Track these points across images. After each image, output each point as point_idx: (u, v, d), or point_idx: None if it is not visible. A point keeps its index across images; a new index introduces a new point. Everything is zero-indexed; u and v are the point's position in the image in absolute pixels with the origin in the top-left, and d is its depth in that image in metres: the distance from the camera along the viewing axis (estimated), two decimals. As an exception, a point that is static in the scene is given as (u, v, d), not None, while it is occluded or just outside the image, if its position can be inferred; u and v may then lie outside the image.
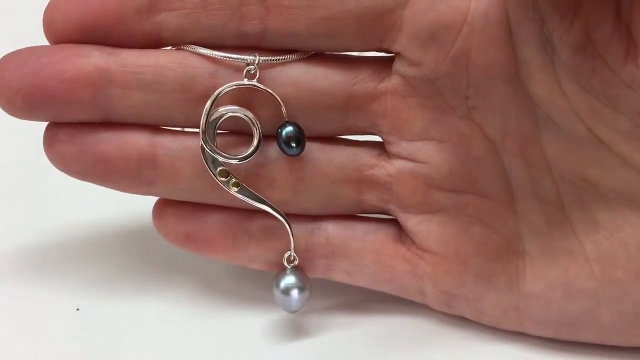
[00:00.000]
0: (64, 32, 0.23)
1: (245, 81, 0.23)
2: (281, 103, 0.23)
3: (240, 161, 0.23)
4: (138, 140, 0.24)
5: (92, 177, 0.24)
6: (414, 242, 0.25)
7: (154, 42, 0.23)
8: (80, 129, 0.24)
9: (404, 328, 0.26)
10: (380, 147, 0.25)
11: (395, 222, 0.25)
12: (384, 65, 0.24)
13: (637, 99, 0.21)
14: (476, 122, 0.23)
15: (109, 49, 0.23)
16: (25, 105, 0.23)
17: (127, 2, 0.23)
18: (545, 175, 0.23)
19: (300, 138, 0.23)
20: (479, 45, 0.22)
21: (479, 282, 0.24)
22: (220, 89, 0.23)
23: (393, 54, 0.24)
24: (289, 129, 0.23)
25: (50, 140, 0.24)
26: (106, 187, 0.24)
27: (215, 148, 0.23)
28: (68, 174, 0.24)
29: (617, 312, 0.23)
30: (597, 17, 0.21)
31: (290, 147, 0.23)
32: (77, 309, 0.26)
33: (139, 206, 0.27)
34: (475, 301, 0.25)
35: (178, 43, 0.23)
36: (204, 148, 0.23)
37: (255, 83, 0.23)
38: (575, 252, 0.23)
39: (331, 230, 0.25)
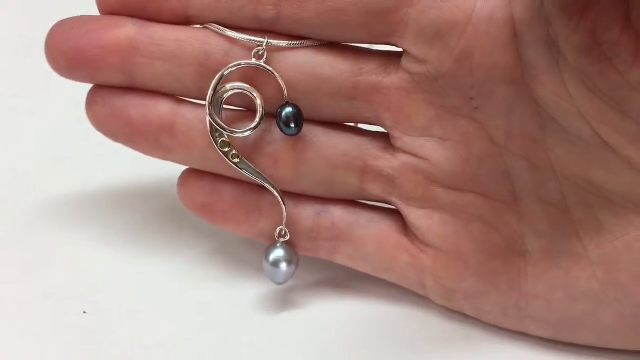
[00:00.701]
0: (111, 6, 0.26)
1: (253, 61, 0.24)
2: (282, 84, 0.24)
3: (240, 134, 0.24)
4: (161, 107, 0.25)
5: (121, 138, 0.26)
6: (416, 236, 0.25)
7: (181, 20, 0.25)
8: (113, 93, 0.26)
9: (395, 303, 0.26)
10: (386, 140, 0.25)
11: (400, 214, 0.26)
12: (392, 59, 0.24)
13: None
14: (480, 123, 0.23)
15: (140, 22, 0.25)
16: (67, 65, 0.25)
17: None
18: (550, 177, 0.23)
19: (298, 119, 0.24)
20: (483, 46, 0.22)
21: (480, 279, 0.24)
22: (229, 66, 0.24)
23: (402, 50, 0.24)
24: (288, 109, 0.24)
25: (90, 103, 0.26)
26: (133, 149, 0.26)
27: (218, 120, 0.25)
28: (104, 135, 0.26)
29: (618, 314, 0.23)
30: (604, 20, 0.20)
31: (289, 127, 0.24)
32: (84, 312, 0.26)
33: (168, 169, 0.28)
34: (476, 298, 0.25)
35: (202, 22, 0.25)
36: (209, 118, 0.25)
37: (260, 63, 0.24)
38: (578, 254, 0.23)
39: (337, 215, 0.26)
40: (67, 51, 0.25)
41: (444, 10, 0.22)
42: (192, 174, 0.26)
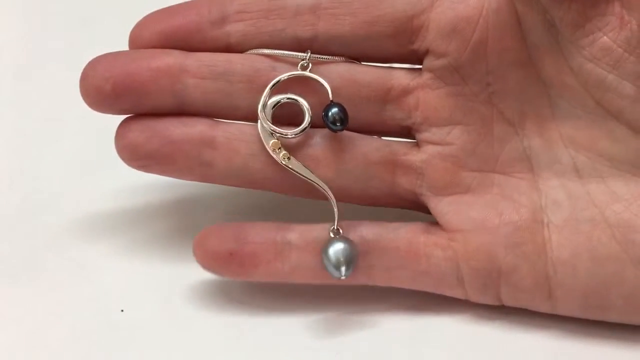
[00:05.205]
0: (148, 41, 0.28)
1: (300, 71, 0.27)
2: (327, 86, 0.27)
3: (292, 136, 0.27)
4: (201, 125, 0.27)
5: (157, 160, 0.27)
6: (443, 228, 0.27)
7: (223, 48, 0.28)
8: (151, 118, 0.27)
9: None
10: (411, 141, 0.28)
11: (421, 220, 0.28)
12: (414, 69, 0.28)
13: (634, 61, 0.24)
14: (496, 106, 0.27)
15: (185, 52, 0.28)
16: (112, 92, 0.27)
17: (204, 15, 0.28)
18: (562, 152, 0.26)
19: (343, 117, 0.27)
20: (494, 34, 0.26)
21: (509, 252, 0.26)
22: (280, 76, 0.27)
23: (420, 66, 0.27)
24: (334, 109, 0.27)
25: (123, 133, 0.27)
26: (166, 173, 0.28)
27: (270, 124, 0.27)
28: (134, 163, 0.27)
29: None
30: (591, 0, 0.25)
31: (335, 124, 0.27)
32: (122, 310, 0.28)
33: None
34: (509, 273, 0.26)
35: (243, 48, 0.28)
36: (261, 122, 0.27)
37: (308, 73, 0.27)
38: (596, 219, 0.25)
39: (364, 228, 0.27)
40: (112, 77, 0.27)
41: (459, 9, 0.26)
42: (209, 231, 0.27)
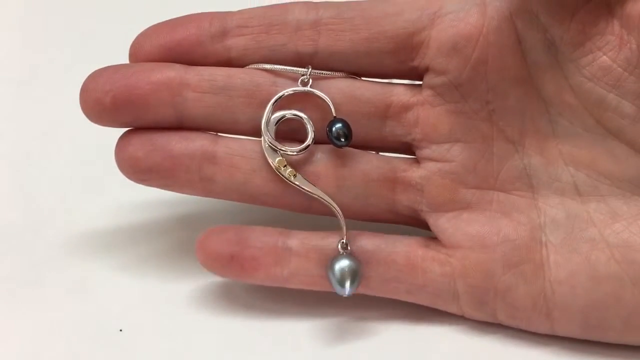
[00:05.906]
0: (149, 54, 0.28)
1: (301, 87, 0.27)
2: (330, 103, 0.27)
3: (294, 153, 0.27)
4: (202, 139, 0.27)
5: (158, 174, 0.27)
6: (442, 244, 0.27)
7: (224, 62, 0.28)
8: (152, 132, 0.27)
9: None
10: (411, 158, 0.28)
11: (420, 233, 0.28)
12: (415, 86, 0.28)
13: (634, 81, 0.24)
14: (496, 124, 0.27)
15: (185, 66, 0.28)
16: (112, 105, 0.27)
17: (205, 29, 0.28)
18: (562, 170, 0.26)
19: (348, 133, 0.27)
20: (494, 52, 0.26)
21: (507, 271, 0.26)
22: (282, 92, 0.27)
23: (420, 82, 0.28)
24: (339, 124, 0.27)
25: (123, 146, 0.27)
26: (167, 187, 0.27)
27: (274, 140, 0.27)
28: (134, 176, 0.27)
29: None
30: (590, 18, 0.25)
31: (340, 140, 0.27)
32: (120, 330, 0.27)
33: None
34: (506, 292, 0.26)
35: (243, 62, 0.28)
36: (265, 139, 0.27)
37: (311, 89, 0.27)
38: (595, 239, 0.26)
39: (364, 240, 0.27)
40: (113, 90, 0.27)
41: (459, 27, 0.26)
42: (212, 232, 0.27)
